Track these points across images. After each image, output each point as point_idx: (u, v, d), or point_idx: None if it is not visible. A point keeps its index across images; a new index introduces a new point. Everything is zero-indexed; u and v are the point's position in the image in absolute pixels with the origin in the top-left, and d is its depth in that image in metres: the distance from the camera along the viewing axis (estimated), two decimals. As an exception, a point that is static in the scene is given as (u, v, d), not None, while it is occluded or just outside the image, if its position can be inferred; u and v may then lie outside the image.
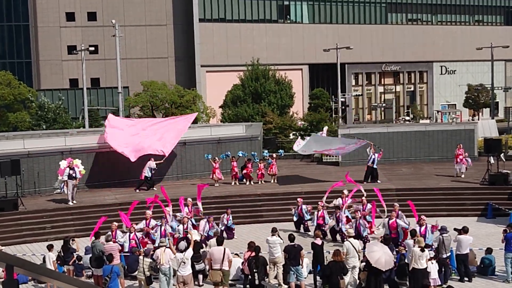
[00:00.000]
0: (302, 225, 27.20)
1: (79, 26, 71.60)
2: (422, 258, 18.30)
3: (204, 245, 22.30)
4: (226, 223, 26.60)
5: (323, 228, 25.60)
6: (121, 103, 52.79)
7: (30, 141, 33.40)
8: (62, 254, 21.17)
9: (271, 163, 34.15)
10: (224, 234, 25.00)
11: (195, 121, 55.29)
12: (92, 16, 71.86)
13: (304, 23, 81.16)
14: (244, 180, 33.86)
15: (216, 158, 33.74)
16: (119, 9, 71.75)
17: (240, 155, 34.23)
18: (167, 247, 19.46)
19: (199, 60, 73.31)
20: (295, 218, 27.28)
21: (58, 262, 21.05)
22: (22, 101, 57.85)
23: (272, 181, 33.96)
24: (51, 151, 32.57)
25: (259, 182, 33.74)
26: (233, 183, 33.66)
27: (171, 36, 74.22)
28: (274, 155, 34.99)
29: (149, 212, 24.56)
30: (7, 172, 28.69)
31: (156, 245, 21.29)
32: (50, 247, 21.26)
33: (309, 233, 26.41)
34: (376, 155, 33.11)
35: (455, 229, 21.11)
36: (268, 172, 34.11)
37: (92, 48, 55.09)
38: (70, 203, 29.74)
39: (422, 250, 18.36)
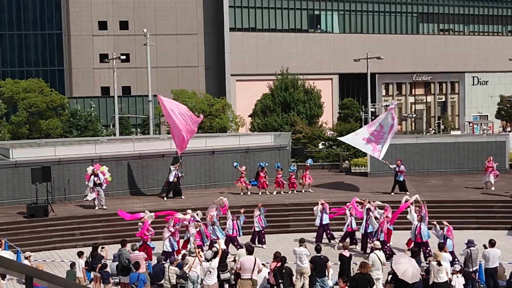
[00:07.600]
0: (327, 234, 26.92)
1: (111, 34, 72.39)
2: (441, 272, 18.16)
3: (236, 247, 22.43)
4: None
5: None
6: (151, 111, 53.21)
7: (61, 148, 33.82)
8: (90, 260, 21.44)
9: (304, 172, 34.04)
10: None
11: (224, 130, 55.58)
12: (124, 25, 72.61)
13: (335, 32, 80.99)
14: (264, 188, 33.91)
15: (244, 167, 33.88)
16: (150, 18, 72.42)
17: (277, 167, 33.92)
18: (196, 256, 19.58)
19: (229, 69, 73.53)
20: (317, 221, 26.60)
21: (86, 268, 21.36)
22: (54, 108, 58.66)
23: (303, 190, 33.88)
24: (81, 158, 32.96)
25: (289, 192, 33.70)
26: (260, 193, 33.67)
27: (202, 45, 74.64)
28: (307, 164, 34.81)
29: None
30: (38, 179, 29.12)
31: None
32: (80, 254, 21.69)
33: (334, 241, 26.36)
34: (402, 167, 32.82)
35: (485, 246, 20.78)
36: (303, 181, 33.92)
37: (124, 57, 55.72)
38: (97, 208, 30.21)
39: (439, 264, 18.21)
